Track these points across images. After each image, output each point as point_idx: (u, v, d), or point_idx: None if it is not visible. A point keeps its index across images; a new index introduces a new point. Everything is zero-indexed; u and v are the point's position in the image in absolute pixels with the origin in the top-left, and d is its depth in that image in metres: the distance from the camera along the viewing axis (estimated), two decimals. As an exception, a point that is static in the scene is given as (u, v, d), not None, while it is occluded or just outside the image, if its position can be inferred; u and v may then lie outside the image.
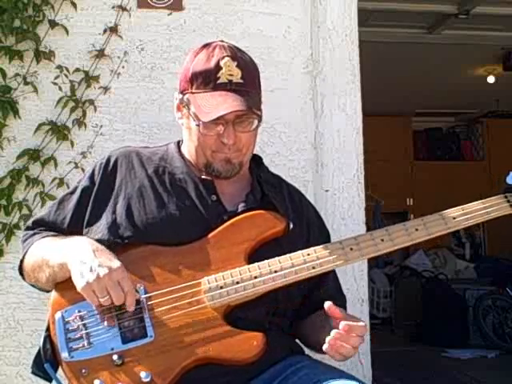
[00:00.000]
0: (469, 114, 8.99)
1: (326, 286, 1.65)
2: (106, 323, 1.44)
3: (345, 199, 2.45)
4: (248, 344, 1.43)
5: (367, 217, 2.50)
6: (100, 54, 2.33)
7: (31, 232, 1.64)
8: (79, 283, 1.42)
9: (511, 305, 5.65)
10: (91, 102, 2.32)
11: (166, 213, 1.55)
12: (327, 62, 2.48)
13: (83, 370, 1.43)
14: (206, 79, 1.54)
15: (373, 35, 5.30)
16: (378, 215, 6.97)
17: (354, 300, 2.41)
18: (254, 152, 1.68)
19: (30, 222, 1.68)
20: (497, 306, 5.71)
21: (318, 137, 2.47)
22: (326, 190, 2.44)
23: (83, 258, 1.43)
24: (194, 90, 1.56)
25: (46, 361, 1.47)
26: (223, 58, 1.55)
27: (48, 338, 1.50)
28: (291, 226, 1.54)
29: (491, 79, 7.23)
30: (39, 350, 1.50)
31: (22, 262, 1.63)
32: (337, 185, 2.45)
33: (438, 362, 5.08)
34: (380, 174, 6.60)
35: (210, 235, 1.53)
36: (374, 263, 7.07)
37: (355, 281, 2.42)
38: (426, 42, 5.92)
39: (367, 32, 4.69)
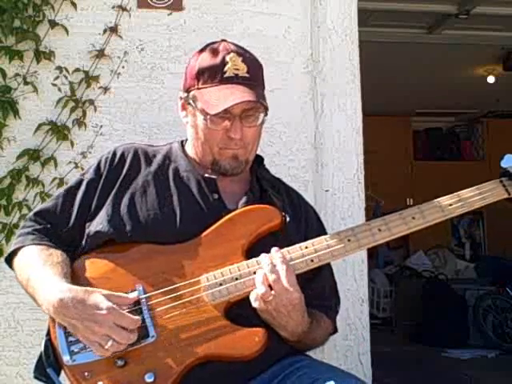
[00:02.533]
0: (469, 114, 8.98)
1: (317, 284, 1.63)
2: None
3: (345, 199, 2.45)
4: (250, 340, 1.43)
5: (367, 217, 2.49)
6: (100, 54, 2.33)
7: (28, 227, 1.61)
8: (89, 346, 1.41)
9: (511, 305, 5.65)
10: (91, 102, 2.32)
11: (167, 209, 1.55)
12: (327, 61, 2.47)
13: (86, 373, 1.43)
14: (213, 74, 1.56)
15: (373, 35, 5.29)
16: (378, 215, 6.96)
17: (354, 300, 2.41)
18: (254, 152, 1.69)
19: (31, 214, 1.65)
20: (497, 306, 5.72)
21: (318, 137, 2.47)
22: (326, 190, 2.44)
23: (71, 321, 1.40)
24: (200, 86, 1.57)
25: (48, 365, 1.47)
26: (229, 53, 1.57)
27: (49, 341, 1.49)
28: (288, 219, 1.54)
29: (491, 79, 7.22)
30: (41, 355, 1.49)
31: (11, 257, 1.61)
32: (337, 185, 2.45)
33: (438, 361, 5.08)
34: (380, 174, 6.59)
35: (208, 232, 1.53)
36: (374, 263, 7.07)
37: (355, 281, 2.42)
38: (426, 42, 5.92)
39: (367, 32, 4.68)
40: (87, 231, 1.57)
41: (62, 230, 1.60)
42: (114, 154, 1.66)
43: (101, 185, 1.61)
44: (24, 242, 1.58)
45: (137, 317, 1.42)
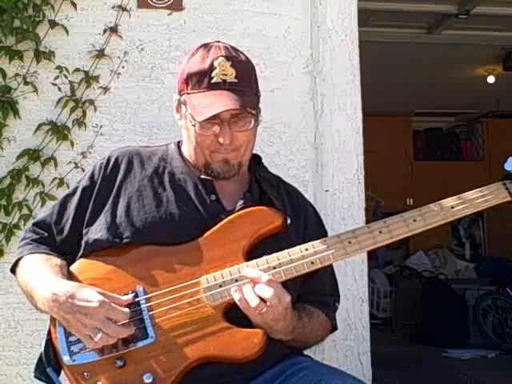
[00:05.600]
0: (469, 114, 8.98)
1: (316, 280, 1.63)
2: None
3: (345, 199, 2.45)
4: (249, 341, 1.43)
5: (367, 217, 2.49)
6: (100, 54, 2.33)
7: (27, 238, 1.63)
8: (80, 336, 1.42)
9: (511, 305, 5.65)
10: (91, 102, 2.32)
11: (165, 212, 1.55)
12: (327, 62, 2.48)
13: (85, 373, 1.43)
14: (200, 79, 1.55)
15: (373, 35, 5.29)
16: (378, 215, 6.96)
17: (354, 300, 2.41)
18: (254, 152, 1.68)
19: (30, 225, 1.67)
20: (497, 306, 5.71)
21: (318, 137, 2.47)
22: (326, 190, 2.44)
23: (63, 315, 1.41)
24: (189, 91, 1.57)
25: (48, 365, 1.47)
26: (217, 57, 1.55)
27: (49, 341, 1.50)
28: (289, 221, 1.54)
29: (491, 79, 7.22)
30: (41, 355, 1.50)
31: (14, 267, 1.63)
32: (337, 185, 2.45)
33: (438, 361, 5.08)
34: (380, 174, 6.59)
35: (208, 233, 1.53)
36: (375, 263, 7.07)
37: (355, 281, 2.42)
38: (426, 42, 5.92)
39: (367, 32, 4.68)
40: (86, 239, 1.57)
41: (58, 237, 1.61)
42: (109, 159, 1.65)
43: (95, 191, 1.60)
44: (22, 252, 1.61)
45: (126, 309, 1.42)
